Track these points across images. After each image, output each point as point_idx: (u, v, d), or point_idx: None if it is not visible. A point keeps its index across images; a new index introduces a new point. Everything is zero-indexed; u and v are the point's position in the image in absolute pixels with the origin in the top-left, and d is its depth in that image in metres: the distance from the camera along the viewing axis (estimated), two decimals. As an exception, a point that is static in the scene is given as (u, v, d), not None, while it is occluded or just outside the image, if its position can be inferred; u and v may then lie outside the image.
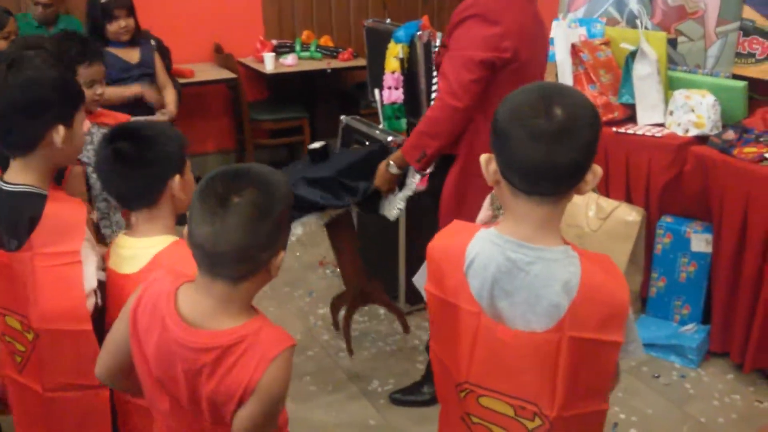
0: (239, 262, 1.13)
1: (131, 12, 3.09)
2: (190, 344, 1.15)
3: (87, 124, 1.96)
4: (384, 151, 2.52)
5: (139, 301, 1.22)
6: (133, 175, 1.42)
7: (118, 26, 3.04)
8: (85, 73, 2.00)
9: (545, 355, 1.16)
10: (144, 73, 3.17)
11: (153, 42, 3.33)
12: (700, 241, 2.80)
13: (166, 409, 1.23)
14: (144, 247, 1.42)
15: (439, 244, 1.28)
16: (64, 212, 1.46)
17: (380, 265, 3.21)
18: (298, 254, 3.70)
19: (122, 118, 2.30)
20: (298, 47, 4.85)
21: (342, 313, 2.83)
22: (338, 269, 3.57)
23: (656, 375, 2.75)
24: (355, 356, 2.78)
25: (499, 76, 2.09)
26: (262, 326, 1.17)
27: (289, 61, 4.66)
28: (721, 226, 2.70)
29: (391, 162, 2.34)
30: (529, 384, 1.18)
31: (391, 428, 2.48)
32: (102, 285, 1.48)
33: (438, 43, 2.95)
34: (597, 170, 1.15)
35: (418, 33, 3.02)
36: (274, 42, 4.87)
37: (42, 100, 1.42)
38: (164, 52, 3.53)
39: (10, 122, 1.43)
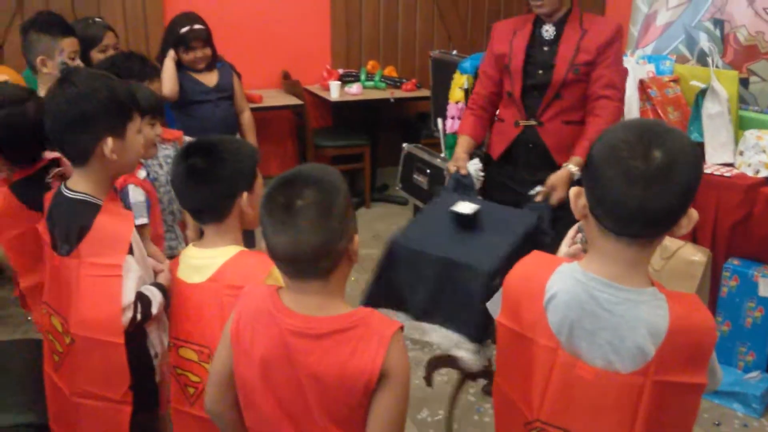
0: (322, 259, 1.18)
1: (208, 42, 3.14)
2: (309, 331, 1.19)
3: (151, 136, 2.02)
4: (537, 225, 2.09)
5: (239, 317, 1.27)
6: (204, 190, 1.47)
7: (194, 56, 3.10)
8: None
9: (627, 397, 1.12)
10: (222, 96, 3.21)
11: (230, 65, 3.41)
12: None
13: (271, 418, 1.25)
14: (211, 257, 1.47)
15: (518, 274, 1.26)
16: (112, 225, 1.51)
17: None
18: (353, 278, 3.72)
19: (177, 134, 2.41)
20: (363, 76, 4.94)
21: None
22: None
23: (717, 423, 2.64)
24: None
25: None
26: (372, 312, 1.22)
27: (354, 90, 4.75)
28: (792, 271, 2.60)
29: (574, 169, 2.27)
30: (605, 425, 1.15)
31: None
32: (144, 298, 1.52)
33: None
34: (693, 214, 1.12)
35: (484, 64, 3.05)
36: (341, 71, 4.99)
37: (87, 114, 1.47)
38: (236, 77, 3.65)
39: (62, 135, 1.51)
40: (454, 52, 3.52)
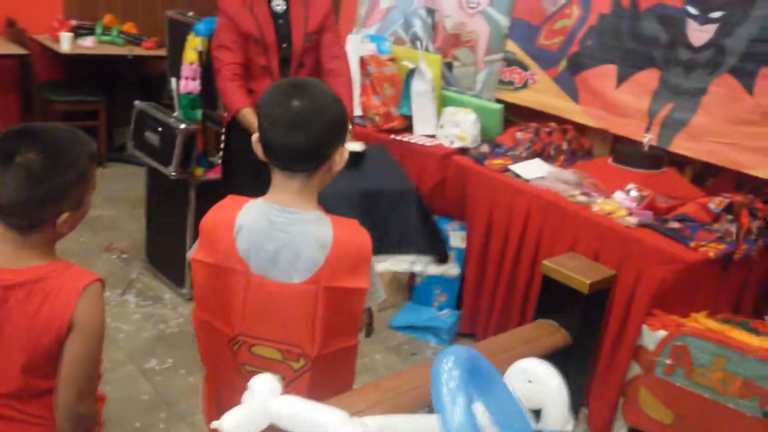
0: (15, 216, 1.26)
1: None
2: (2, 282, 1.26)
3: None
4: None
5: None
6: None
7: None
8: None
9: (305, 304, 1.36)
10: None
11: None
12: (457, 238, 3.22)
13: None
14: None
15: (210, 216, 1.43)
16: None
17: (170, 251, 3.29)
18: (83, 240, 3.64)
19: None
20: (99, 30, 4.74)
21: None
22: (125, 255, 3.59)
23: (413, 353, 3.12)
24: (135, 336, 2.85)
25: None
26: (69, 266, 1.31)
27: (88, 43, 4.55)
28: (473, 225, 3.13)
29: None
30: (293, 329, 1.38)
31: (166, 402, 2.58)
32: None
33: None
34: (343, 151, 1.39)
35: (218, 29, 3.16)
36: (74, 22, 4.72)
37: None
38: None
39: None
40: (191, 13, 3.56)
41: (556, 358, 1.35)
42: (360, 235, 1.42)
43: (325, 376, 1.44)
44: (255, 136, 1.40)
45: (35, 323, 1.26)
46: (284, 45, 2.65)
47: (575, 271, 1.41)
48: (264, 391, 1.03)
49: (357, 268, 1.39)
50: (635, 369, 2.49)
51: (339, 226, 1.39)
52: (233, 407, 1.50)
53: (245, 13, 2.63)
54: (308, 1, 2.68)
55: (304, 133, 1.31)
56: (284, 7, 2.66)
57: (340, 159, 1.39)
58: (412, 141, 3.40)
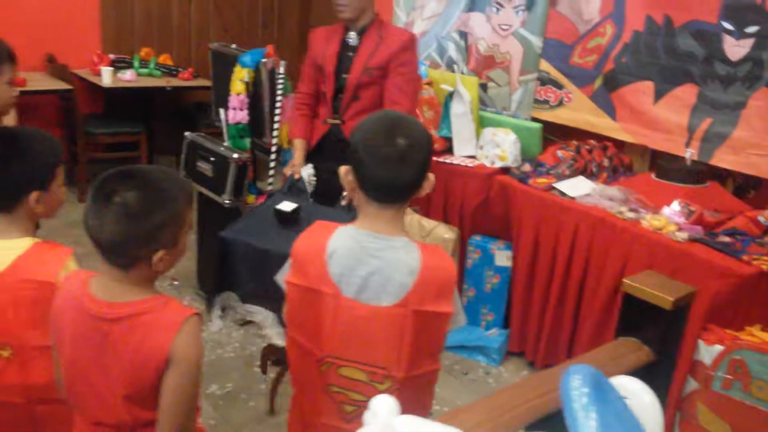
0: (116, 254, 1.31)
1: None
2: (106, 315, 1.31)
3: None
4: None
5: (56, 302, 1.38)
6: None
7: None
8: None
9: (394, 326, 1.42)
10: None
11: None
12: (502, 257, 3.27)
13: (82, 392, 1.37)
14: (2, 249, 1.51)
15: (302, 241, 1.50)
16: None
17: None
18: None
19: None
20: (136, 63, 4.87)
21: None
22: (176, 281, 3.66)
23: (465, 372, 3.16)
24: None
25: None
26: (169, 301, 1.36)
27: (128, 77, 4.67)
28: (519, 243, 3.18)
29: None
30: (380, 352, 1.44)
31: (232, 427, 2.64)
32: None
33: (282, 70, 3.23)
34: (431, 178, 1.47)
35: (264, 60, 3.26)
36: (112, 56, 4.86)
37: None
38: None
39: None
40: (234, 45, 3.66)
41: (640, 375, 1.39)
42: (445, 262, 1.48)
43: (408, 399, 1.49)
44: (344, 169, 1.47)
45: (137, 356, 1.31)
46: (343, 75, 2.74)
47: (657, 288, 1.46)
48: (385, 411, 1.07)
49: (443, 293, 1.44)
50: (692, 384, 2.51)
51: (426, 252, 1.45)
52: (319, 428, 1.56)
53: (320, 44, 2.80)
54: (383, 39, 2.73)
55: (411, 169, 1.40)
56: (356, 42, 2.76)
57: (428, 185, 1.46)
58: (454, 162, 3.46)
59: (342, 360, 1.47)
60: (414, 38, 2.81)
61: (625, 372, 1.37)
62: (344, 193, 2.55)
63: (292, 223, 2.26)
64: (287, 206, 2.28)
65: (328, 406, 1.52)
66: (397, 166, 1.39)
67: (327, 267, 1.43)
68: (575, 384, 0.92)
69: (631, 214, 2.79)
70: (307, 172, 2.65)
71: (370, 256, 1.43)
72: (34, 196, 1.52)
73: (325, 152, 2.82)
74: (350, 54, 2.76)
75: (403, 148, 1.39)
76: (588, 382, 0.92)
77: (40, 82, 4.47)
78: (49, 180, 1.55)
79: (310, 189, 2.62)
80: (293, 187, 2.59)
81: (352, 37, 2.76)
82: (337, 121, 2.80)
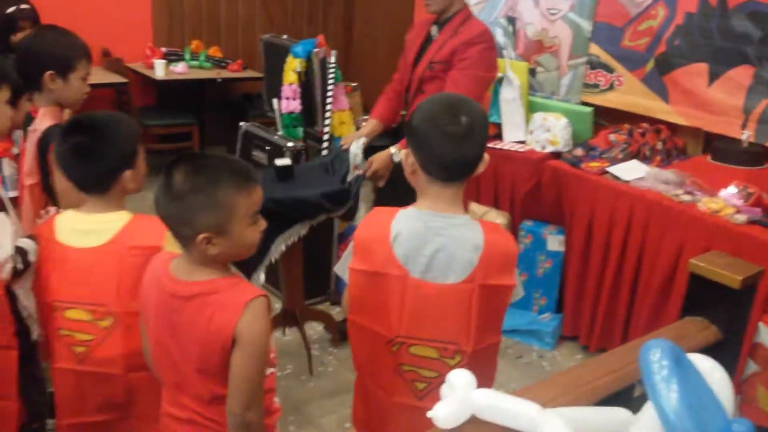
0: (180, 230, 1.37)
1: (36, 22, 3.06)
2: (179, 293, 1.38)
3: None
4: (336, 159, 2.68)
5: (144, 281, 1.46)
6: (88, 167, 1.60)
7: (24, 36, 3.02)
8: None
9: (461, 302, 1.45)
10: None
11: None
12: (555, 242, 3.27)
13: (164, 364, 1.45)
14: (105, 222, 1.60)
15: (364, 228, 1.54)
16: None
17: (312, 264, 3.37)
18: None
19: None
20: (187, 56, 4.98)
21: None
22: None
23: (519, 356, 3.18)
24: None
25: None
26: (239, 281, 1.41)
27: (180, 69, 4.78)
28: (572, 228, 3.18)
29: (395, 151, 2.59)
30: (449, 328, 1.47)
31: (293, 406, 2.71)
32: (20, 250, 1.63)
33: (333, 60, 3.27)
34: (486, 157, 1.50)
35: (315, 50, 3.31)
36: (164, 50, 4.97)
37: None
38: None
39: None
40: (285, 36, 3.72)
41: (706, 354, 1.40)
42: (506, 238, 1.51)
43: (477, 372, 1.53)
44: (406, 152, 1.50)
45: (205, 334, 1.37)
46: (415, 68, 2.75)
47: (725, 267, 1.47)
48: (462, 384, 1.12)
49: (505, 267, 1.48)
50: (752, 367, 2.50)
51: (487, 228, 1.49)
52: (391, 407, 1.61)
53: (413, 35, 2.81)
54: (457, 34, 2.64)
55: (475, 145, 1.44)
56: (437, 35, 2.72)
57: (483, 164, 1.50)
58: (504, 148, 3.47)
59: (413, 339, 1.50)
60: (483, 33, 2.66)
61: (691, 351, 1.39)
62: (355, 166, 2.61)
63: (286, 176, 2.53)
64: (283, 161, 2.58)
65: (400, 385, 1.57)
66: (462, 143, 1.42)
67: (392, 249, 1.47)
68: (655, 357, 0.94)
69: (687, 197, 2.77)
70: (356, 146, 2.64)
71: (435, 235, 1.46)
72: (128, 174, 1.62)
73: (396, 140, 2.86)
74: (427, 47, 2.74)
75: (468, 124, 1.43)
76: (668, 355, 0.95)
77: (97, 76, 4.57)
78: (135, 157, 1.65)
79: (354, 162, 2.62)
80: (337, 158, 2.65)
81: (434, 30, 2.74)
82: (404, 113, 2.83)
